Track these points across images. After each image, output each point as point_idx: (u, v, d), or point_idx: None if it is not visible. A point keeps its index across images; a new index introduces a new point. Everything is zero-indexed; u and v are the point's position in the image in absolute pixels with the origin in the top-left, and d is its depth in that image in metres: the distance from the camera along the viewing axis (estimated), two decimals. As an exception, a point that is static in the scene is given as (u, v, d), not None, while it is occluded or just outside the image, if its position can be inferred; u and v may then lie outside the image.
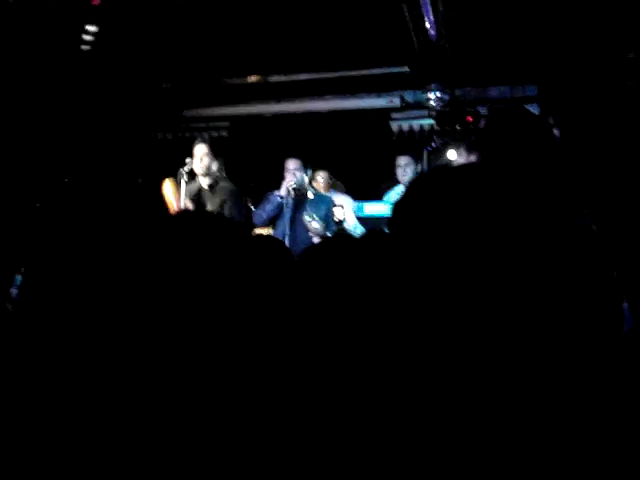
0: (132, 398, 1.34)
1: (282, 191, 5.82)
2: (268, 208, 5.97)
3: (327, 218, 5.64)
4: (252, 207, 7.60)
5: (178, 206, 5.56)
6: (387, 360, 1.42)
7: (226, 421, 1.32)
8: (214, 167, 5.68)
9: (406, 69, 7.83)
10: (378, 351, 1.48)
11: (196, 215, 2.10)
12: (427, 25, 6.39)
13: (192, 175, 5.66)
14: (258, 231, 6.68)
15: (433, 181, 1.54)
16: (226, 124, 9.29)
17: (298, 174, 5.90)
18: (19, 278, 1.89)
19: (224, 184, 5.73)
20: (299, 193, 5.85)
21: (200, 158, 5.61)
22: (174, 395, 1.35)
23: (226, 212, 5.50)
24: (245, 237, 1.81)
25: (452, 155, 6.31)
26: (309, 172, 6.15)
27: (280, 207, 5.87)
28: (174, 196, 5.63)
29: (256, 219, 6.08)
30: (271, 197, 5.96)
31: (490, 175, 1.42)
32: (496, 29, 6.27)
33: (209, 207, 5.53)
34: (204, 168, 5.59)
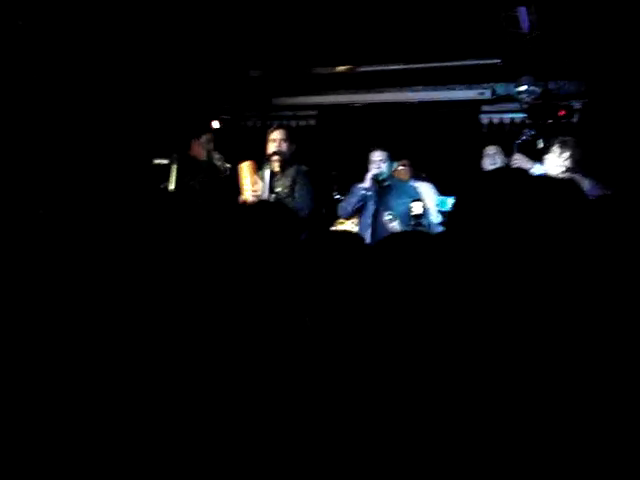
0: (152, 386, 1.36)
1: (366, 183, 5.81)
2: (352, 200, 5.97)
3: (408, 211, 5.59)
4: (338, 196, 7.62)
5: (250, 190, 5.71)
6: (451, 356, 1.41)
7: (230, 418, 1.33)
8: (288, 152, 5.80)
9: (498, 61, 7.67)
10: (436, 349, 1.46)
11: (261, 208, 2.11)
12: (519, 15, 6.24)
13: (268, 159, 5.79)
14: (341, 223, 6.70)
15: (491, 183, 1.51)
16: (314, 113, 9.32)
17: (383, 165, 5.87)
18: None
19: (294, 166, 5.82)
20: (383, 184, 5.82)
21: (278, 142, 5.73)
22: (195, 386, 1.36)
23: (295, 193, 5.61)
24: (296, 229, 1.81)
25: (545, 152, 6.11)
26: (394, 164, 6.11)
27: (364, 199, 5.86)
28: (250, 179, 5.76)
29: (341, 211, 6.09)
30: (355, 189, 5.96)
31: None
32: (591, 20, 6.07)
33: (279, 189, 5.64)
34: (278, 153, 5.72)
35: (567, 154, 5.37)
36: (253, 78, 8.79)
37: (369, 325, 1.60)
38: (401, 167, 7.10)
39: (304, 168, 5.84)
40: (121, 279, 1.67)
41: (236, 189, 5.87)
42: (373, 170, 5.86)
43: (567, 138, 5.56)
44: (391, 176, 6.03)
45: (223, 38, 7.53)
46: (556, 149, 5.47)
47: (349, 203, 5.99)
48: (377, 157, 5.94)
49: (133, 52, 7.17)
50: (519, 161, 5.76)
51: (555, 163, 5.37)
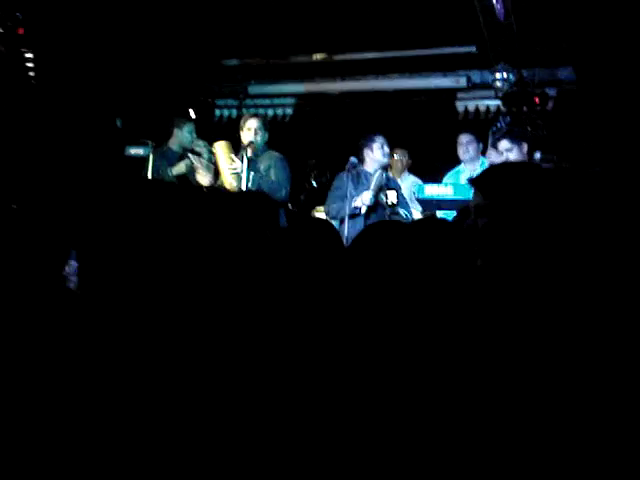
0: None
1: (362, 207, 5.65)
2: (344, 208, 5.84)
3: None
4: (314, 183, 7.64)
5: (228, 168, 5.75)
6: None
7: (230, 417, 1.34)
8: (262, 140, 5.84)
9: (473, 49, 7.71)
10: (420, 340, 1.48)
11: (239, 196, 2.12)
12: (494, 3, 6.28)
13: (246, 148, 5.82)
14: (319, 211, 6.71)
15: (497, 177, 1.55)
16: (291, 101, 9.32)
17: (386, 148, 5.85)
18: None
19: (270, 152, 5.86)
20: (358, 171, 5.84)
21: (253, 130, 5.76)
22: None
23: (272, 175, 5.65)
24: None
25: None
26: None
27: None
28: (226, 158, 5.80)
29: (333, 213, 5.94)
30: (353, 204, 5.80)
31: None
32: (566, 7, 6.12)
33: (255, 175, 5.69)
34: (253, 141, 5.75)
35: (525, 147, 5.46)
36: (229, 67, 8.77)
37: (351, 316, 1.62)
38: (396, 157, 7.09)
39: (279, 154, 5.86)
40: (100, 272, 1.67)
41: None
42: (381, 157, 5.81)
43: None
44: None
45: (198, 27, 7.50)
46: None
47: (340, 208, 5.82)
48: (383, 142, 5.87)
49: (107, 42, 7.12)
50: (492, 156, 5.81)
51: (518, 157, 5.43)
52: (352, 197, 5.65)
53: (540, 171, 1.69)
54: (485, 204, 1.60)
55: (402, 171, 7.16)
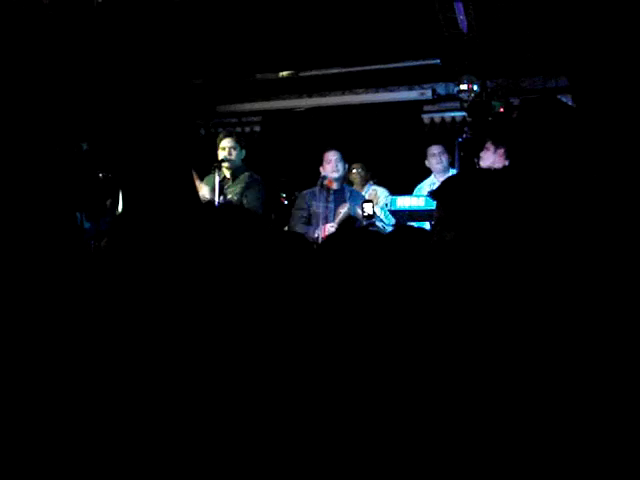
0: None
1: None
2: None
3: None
4: (285, 202, 7.64)
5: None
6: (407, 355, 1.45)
7: (228, 418, 1.35)
8: (238, 158, 5.84)
9: (437, 61, 7.81)
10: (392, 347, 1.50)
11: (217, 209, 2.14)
12: (457, 16, 6.38)
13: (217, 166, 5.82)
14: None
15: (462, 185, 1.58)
16: (258, 119, 9.35)
17: (339, 165, 5.92)
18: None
19: (245, 173, 5.86)
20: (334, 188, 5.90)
21: (227, 150, 5.77)
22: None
23: (245, 199, 5.66)
24: (261, 231, 1.84)
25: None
26: (346, 165, 6.15)
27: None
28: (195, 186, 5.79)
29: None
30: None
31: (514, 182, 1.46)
32: (527, 19, 6.23)
33: (229, 196, 5.68)
34: (228, 160, 5.75)
35: (501, 151, 5.50)
36: (196, 86, 8.77)
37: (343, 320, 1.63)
38: (355, 171, 7.17)
39: (256, 176, 5.87)
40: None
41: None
42: (330, 172, 5.89)
43: (501, 135, 5.69)
44: (343, 180, 6.09)
45: (165, 47, 7.49)
46: (490, 145, 5.58)
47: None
48: (334, 156, 5.96)
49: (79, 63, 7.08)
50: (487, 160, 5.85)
51: (490, 160, 5.48)
52: (317, 214, 5.76)
53: (497, 177, 1.72)
54: (448, 217, 1.62)
55: (363, 184, 7.21)
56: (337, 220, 5.77)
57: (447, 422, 1.27)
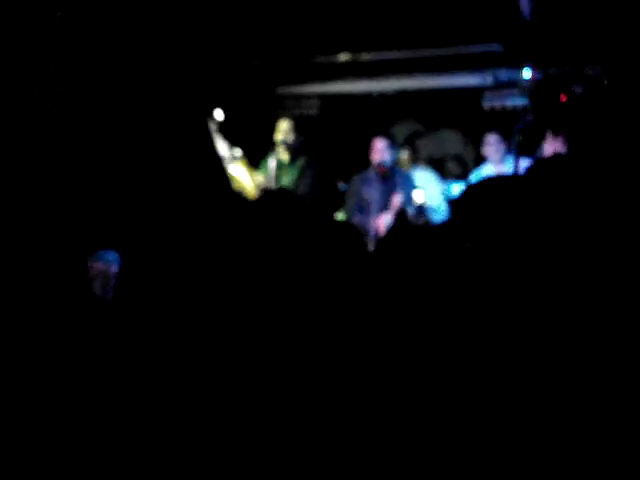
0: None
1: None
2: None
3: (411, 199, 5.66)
4: (342, 184, 7.65)
5: (253, 183, 5.73)
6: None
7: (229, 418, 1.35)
8: (295, 142, 5.84)
9: (499, 47, 7.68)
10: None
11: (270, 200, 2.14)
12: (520, 1, 6.26)
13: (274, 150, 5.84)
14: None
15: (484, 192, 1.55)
16: (317, 102, 9.33)
17: (386, 153, 5.92)
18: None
19: (302, 158, 5.86)
20: (387, 173, 5.88)
21: (285, 132, 5.79)
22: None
23: (302, 185, 5.66)
24: (308, 223, 1.84)
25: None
26: (397, 152, 6.15)
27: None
28: (248, 174, 5.79)
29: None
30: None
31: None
32: (593, 6, 6.08)
33: (285, 181, 5.70)
34: (285, 143, 5.76)
35: (560, 141, 5.40)
36: (255, 67, 8.80)
37: (371, 322, 1.63)
38: (402, 155, 7.16)
39: (311, 161, 5.89)
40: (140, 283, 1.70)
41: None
42: (378, 160, 5.90)
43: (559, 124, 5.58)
44: (395, 165, 6.08)
45: (223, 29, 7.54)
46: (549, 135, 5.49)
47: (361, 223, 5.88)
48: (380, 145, 5.98)
49: (126, 47, 7.15)
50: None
51: (550, 149, 5.39)
52: (368, 200, 5.75)
53: (516, 184, 1.68)
54: (468, 226, 1.60)
55: (407, 165, 7.18)
56: (391, 210, 5.73)
57: (447, 422, 1.26)
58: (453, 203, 1.64)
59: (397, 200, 5.72)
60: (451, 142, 8.59)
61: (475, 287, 1.49)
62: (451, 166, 8.25)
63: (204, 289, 1.64)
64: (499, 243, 1.49)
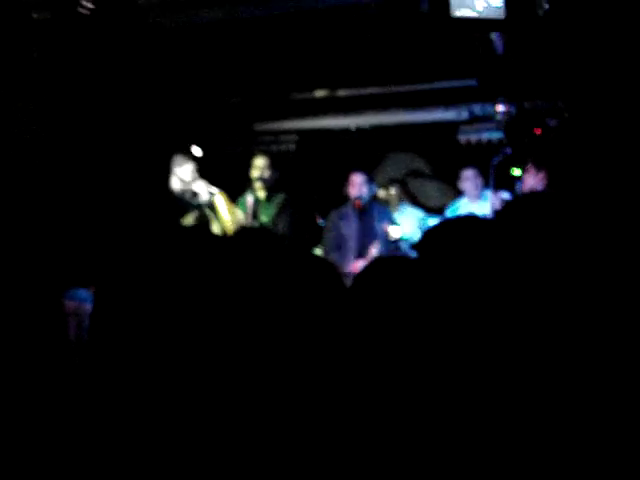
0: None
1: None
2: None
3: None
4: (321, 220, 7.66)
5: (232, 219, 5.71)
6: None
7: (228, 420, 1.34)
8: (271, 178, 5.84)
9: (474, 82, 7.78)
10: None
11: (248, 234, 2.14)
12: (493, 37, 6.36)
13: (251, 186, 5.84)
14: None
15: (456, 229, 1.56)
16: (294, 138, 9.38)
17: (364, 188, 5.95)
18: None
19: (280, 195, 5.87)
20: (363, 208, 5.91)
21: (261, 169, 5.79)
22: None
23: (280, 222, 5.66)
24: (292, 257, 1.83)
25: (518, 172, 6.19)
26: (373, 187, 6.18)
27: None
28: (227, 209, 5.77)
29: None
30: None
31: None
32: (565, 40, 6.17)
33: (264, 218, 5.69)
34: (262, 180, 5.76)
35: (542, 175, 5.44)
36: (232, 104, 8.85)
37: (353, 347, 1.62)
38: (392, 192, 7.20)
39: (288, 199, 5.89)
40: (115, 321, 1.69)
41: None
42: (354, 195, 5.93)
43: (542, 158, 5.64)
44: (371, 200, 6.11)
45: (200, 67, 7.59)
46: (531, 169, 5.54)
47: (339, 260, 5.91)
48: (357, 180, 6.02)
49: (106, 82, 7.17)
50: (496, 203, 5.85)
51: (531, 183, 5.44)
52: (346, 235, 5.77)
53: (480, 224, 1.69)
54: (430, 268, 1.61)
55: (398, 204, 7.22)
56: (367, 258, 5.76)
57: (447, 422, 1.25)
58: (423, 236, 1.65)
59: (375, 249, 5.75)
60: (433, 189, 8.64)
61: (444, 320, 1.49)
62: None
63: (179, 325, 1.62)
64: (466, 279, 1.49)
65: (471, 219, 1.67)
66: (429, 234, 1.66)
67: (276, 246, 2.25)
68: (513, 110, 7.53)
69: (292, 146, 9.38)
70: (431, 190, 8.47)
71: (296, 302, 1.73)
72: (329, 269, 2.05)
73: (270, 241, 2.22)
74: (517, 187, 5.88)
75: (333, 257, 5.77)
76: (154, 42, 6.89)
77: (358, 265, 5.65)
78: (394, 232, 5.51)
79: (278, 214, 5.73)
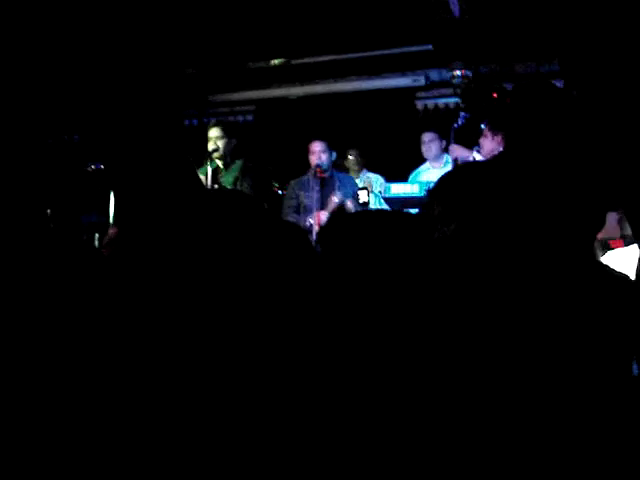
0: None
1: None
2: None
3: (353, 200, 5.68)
4: (279, 192, 7.62)
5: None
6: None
7: (228, 420, 1.32)
8: (226, 148, 5.80)
9: (430, 47, 7.77)
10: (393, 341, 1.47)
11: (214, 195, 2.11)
12: (449, 0, 6.35)
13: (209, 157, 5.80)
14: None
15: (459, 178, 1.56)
16: (251, 108, 9.30)
17: (323, 156, 5.93)
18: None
19: (238, 161, 5.84)
20: (324, 175, 5.88)
21: (214, 140, 5.76)
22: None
23: (242, 187, 5.65)
24: (257, 216, 1.80)
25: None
26: (334, 154, 6.15)
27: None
28: None
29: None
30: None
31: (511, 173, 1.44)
32: (520, 3, 6.19)
33: (225, 184, 5.67)
34: (218, 150, 5.74)
35: (499, 138, 5.46)
36: (188, 75, 8.72)
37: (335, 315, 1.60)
38: (350, 157, 7.18)
39: (249, 164, 5.85)
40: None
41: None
42: (314, 161, 5.90)
43: (498, 121, 5.64)
44: (331, 167, 6.08)
45: (155, 38, 7.45)
46: (488, 132, 5.56)
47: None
48: (317, 147, 5.98)
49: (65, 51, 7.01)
50: (457, 151, 5.86)
51: (490, 147, 5.46)
52: (306, 203, 5.76)
53: (492, 169, 1.69)
54: (447, 212, 1.60)
55: (358, 170, 7.21)
56: (328, 209, 5.76)
57: (447, 422, 1.25)
58: (430, 192, 1.64)
59: (334, 200, 5.74)
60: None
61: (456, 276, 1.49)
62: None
63: (154, 288, 1.59)
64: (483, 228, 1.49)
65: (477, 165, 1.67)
66: (446, 180, 1.65)
67: (246, 205, 2.21)
68: (470, 75, 7.54)
69: (249, 116, 9.31)
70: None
71: (267, 260, 1.71)
72: (294, 229, 2.03)
73: (240, 200, 2.17)
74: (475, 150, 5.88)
75: (291, 218, 5.76)
76: (106, 12, 6.73)
77: (321, 216, 5.65)
78: (362, 196, 5.50)
79: (237, 180, 5.70)
